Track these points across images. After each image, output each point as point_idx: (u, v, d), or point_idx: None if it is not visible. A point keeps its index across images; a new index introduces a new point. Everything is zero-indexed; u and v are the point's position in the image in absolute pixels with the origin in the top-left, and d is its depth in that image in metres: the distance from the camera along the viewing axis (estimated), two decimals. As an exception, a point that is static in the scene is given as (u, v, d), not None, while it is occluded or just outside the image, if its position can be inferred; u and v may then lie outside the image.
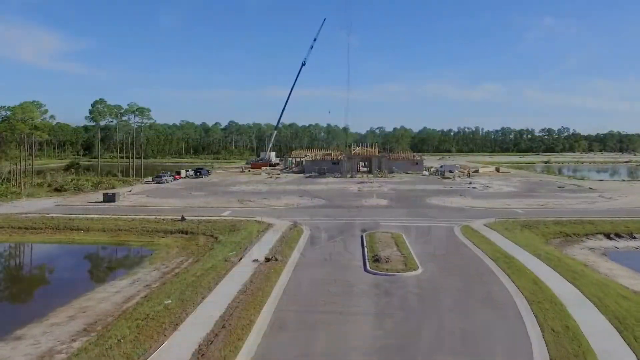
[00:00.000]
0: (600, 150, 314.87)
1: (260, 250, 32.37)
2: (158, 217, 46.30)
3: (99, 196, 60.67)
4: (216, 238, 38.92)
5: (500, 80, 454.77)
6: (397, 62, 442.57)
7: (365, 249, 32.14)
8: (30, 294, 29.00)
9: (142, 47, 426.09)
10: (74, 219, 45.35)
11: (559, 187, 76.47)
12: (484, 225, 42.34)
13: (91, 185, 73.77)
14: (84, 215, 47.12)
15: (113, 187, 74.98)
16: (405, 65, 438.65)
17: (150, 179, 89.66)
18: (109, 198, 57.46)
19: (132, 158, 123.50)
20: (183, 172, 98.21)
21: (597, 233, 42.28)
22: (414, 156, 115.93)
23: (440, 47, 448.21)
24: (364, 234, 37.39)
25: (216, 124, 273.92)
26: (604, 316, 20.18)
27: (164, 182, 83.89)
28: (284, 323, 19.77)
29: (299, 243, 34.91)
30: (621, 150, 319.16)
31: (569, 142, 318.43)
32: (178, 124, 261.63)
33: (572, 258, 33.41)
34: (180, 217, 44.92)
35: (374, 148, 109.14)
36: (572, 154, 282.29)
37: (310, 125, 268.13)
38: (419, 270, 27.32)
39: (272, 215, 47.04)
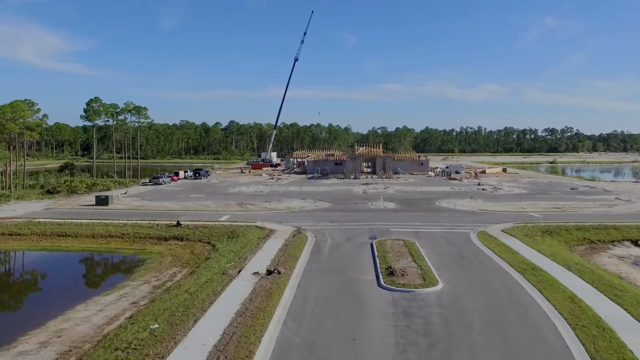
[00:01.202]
0: (604, 150, 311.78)
1: (261, 260, 29.43)
2: (152, 222, 43.35)
3: (92, 198, 57.71)
4: (213, 246, 36.01)
5: (501, 80, 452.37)
6: (397, 62, 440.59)
7: (377, 260, 29.16)
8: (1, 313, 25.99)
9: (143, 48, 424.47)
10: (62, 224, 42.42)
11: (572, 189, 73.48)
12: (502, 231, 39.38)
13: (85, 187, 70.74)
14: (73, 220, 44.16)
15: (108, 189, 72.22)
16: (405, 65, 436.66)
17: (147, 180, 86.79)
18: (102, 201, 54.52)
19: (128, 158, 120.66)
20: (181, 173, 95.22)
21: (623, 239, 39.43)
22: (419, 156, 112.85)
23: (439, 46, 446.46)
24: (374, 242, 34.42)
25: (216, 123, 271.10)
26: (665, 345, 17.20)
27: (161, 184, 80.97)
28: (288, 354, 16.81)
29: (304, 252, 31.94)
30: (625, 150, 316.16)
31: (572, 142, 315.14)
32: (178, 124, 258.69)
33: (604, 269, 30.45)
34: (175, 222, 41.98)
35: (378, 148, 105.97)
36: (576, 154, 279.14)
37: (311, 125, 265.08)
38: (440, 286, 24.35)
39: (274, 220, 44.09)
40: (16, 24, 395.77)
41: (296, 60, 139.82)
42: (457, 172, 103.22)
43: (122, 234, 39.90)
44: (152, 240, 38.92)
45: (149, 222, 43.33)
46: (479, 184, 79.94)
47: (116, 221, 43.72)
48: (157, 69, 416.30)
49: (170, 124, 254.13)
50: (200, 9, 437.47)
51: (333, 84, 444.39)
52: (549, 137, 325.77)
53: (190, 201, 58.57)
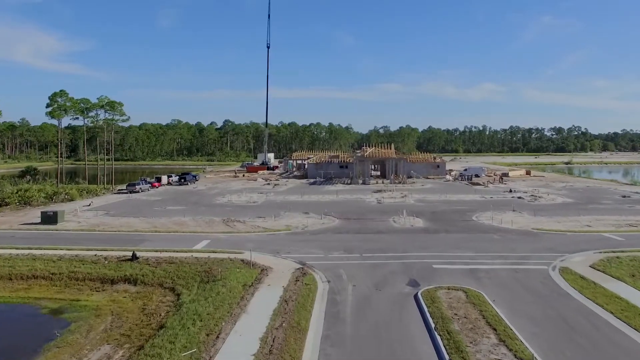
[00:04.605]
0: (614, 150, 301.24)
1: (242, 339, 17.62)
2: (100, 252, 31.47)
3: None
4: (178, 295, 24.27)
5: (499, 80, 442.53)
6: (395, 62, 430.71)
7: (439, 340, 17.34)
8: None
9: (140, 49, 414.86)
10: (-28, 258, 30.50)
11: (624, 197, 61.86)
12: (592, 267, 27.70)
13: (44, 197, 58.87)
14: (-7, 250, 32.24)
15: (72, 199, 60.47)
16: (402, 65, 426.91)
17: (124, 187, 74.65)
18: (49, 218, 42.60)
19: (109, 161, 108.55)
20: (164, 178, 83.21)
21: None
22: (434, 158, 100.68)
23: (437, 46, 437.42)
24: (419, 294, 22.63)
25: (211, 123, 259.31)
26: None
27: (137, 192, 68.83)
28: None
29: (313, 318, 20.10)
30: (634, 149, 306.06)
31: (580, 141, 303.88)
32: (170, 123, 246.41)
33: None
34: (131, 255, 30.11)
35: (389, 148, 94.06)
36: (585, 153, 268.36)
37: (311, 124, 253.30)
38: (585, 420, 12.57)
39: (268, 249, 32.31)
40: (13, 24, 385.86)
41: (268, 47, 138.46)
42: (477, 176, 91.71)
43: (52, 274, 27.92)
44: (92, 284, 27.03)
45: (95, 253, 31.41)
46: (511, 191, 68.20)
47: (51, 251, 31.84)
48: (154, 70, 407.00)
49: (164, 124, 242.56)
50: (196, 9, 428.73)
51: (331, 84, 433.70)
52: (554, 136, 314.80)
53: (165, 217, 46.64)
